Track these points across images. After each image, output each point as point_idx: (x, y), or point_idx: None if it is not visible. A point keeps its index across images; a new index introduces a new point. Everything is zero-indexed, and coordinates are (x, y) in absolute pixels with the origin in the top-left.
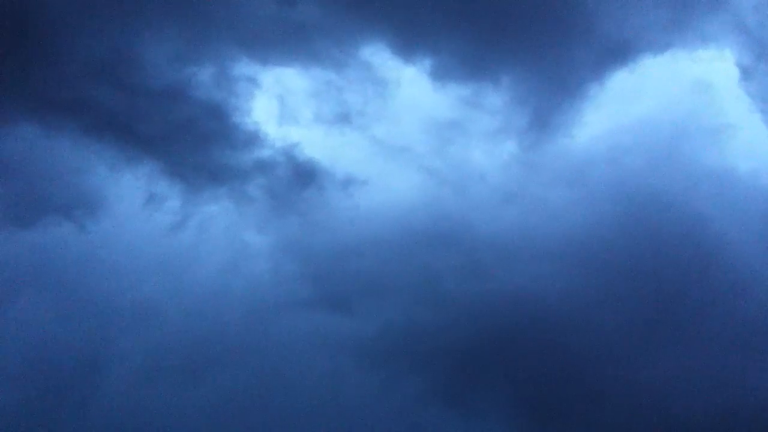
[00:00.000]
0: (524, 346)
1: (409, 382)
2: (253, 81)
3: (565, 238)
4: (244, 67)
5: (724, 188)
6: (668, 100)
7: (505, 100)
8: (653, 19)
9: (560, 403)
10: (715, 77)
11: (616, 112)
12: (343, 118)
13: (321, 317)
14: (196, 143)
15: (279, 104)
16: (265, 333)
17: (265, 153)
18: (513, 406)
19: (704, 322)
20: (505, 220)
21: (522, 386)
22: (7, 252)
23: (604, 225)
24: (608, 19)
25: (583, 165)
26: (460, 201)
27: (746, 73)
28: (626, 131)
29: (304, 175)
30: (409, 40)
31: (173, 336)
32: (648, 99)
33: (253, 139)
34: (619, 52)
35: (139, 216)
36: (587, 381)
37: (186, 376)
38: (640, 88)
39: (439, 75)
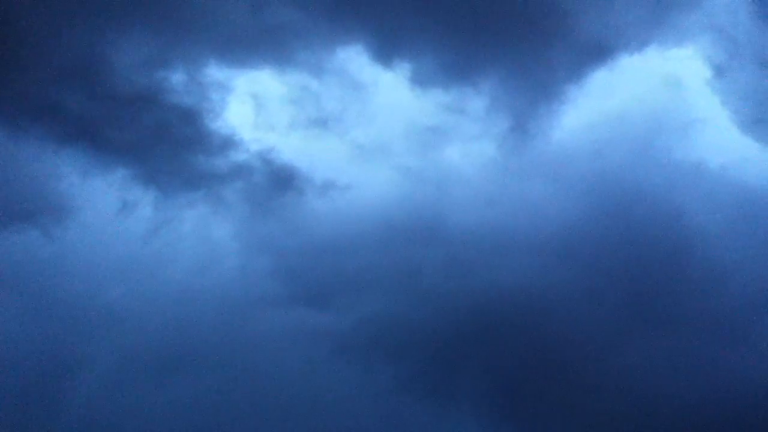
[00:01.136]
0: (502, 337)
1: (385, 373)
2: (226, 85)
3: (544, 234)
4: (217, 71)
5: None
6: (644, 98)
7: (485, 104)
8: (630, 18)
9: (538, 392)
10: (687, 75)
11: (594, 111)
12: (321, 123)
13: (298, 313)
14: (170, 148)
15: (254, 108)
16: (239, 330)
17: (240, 157)
18: (490, 395)
19: (681, 312)
20: (486, 218)
21: (499, 375)
22: None
23: (583, 219)
24: (586, 20)
25: (562, 161)
26: (440, 199)
27: (718, 71)
28: (604, 128)
29: (281, 179)
30: (387, 45)
31: (145, 337)
32: (625, 97)
33: (228, 143)
34: (597, 52)
35: (111, 222)
36: (566, 370)
37: (159, 376)
38: (618, 87)
39: (419, 80)
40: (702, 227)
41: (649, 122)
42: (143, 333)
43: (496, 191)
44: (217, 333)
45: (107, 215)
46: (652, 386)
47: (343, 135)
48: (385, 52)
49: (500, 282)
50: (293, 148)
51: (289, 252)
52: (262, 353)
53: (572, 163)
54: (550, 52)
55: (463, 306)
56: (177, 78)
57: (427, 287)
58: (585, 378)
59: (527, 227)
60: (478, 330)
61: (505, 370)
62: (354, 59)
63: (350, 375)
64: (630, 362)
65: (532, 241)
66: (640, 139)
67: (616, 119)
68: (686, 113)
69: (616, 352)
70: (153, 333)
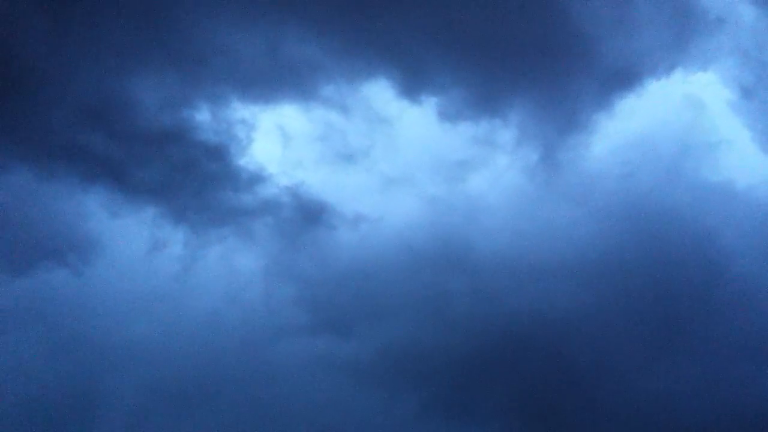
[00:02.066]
0: (529, 363)
1: (411, 400)
2: (251, 122)
3: (573, 259)
4: (242, 108)
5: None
6: (671, 121)
7: (514, 136)
8: (656, 43)
9: (565, 416)
10: (711, 97)
11: (623, 135)
12: (348, 157)
13: (324, 341)
14: (198, 185)
15: (281, 144)
16: (264, 361)
17: (269, 193)
18: (517, 421)
19: (711, 334)
20: (514, 245)
21: (527, 401)
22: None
23: (612, 243)
24: (612, 46)
25: (590, 186)
26: (468, 229)
27: (743, 93)
28: (632, 152)
29: (310, 213)
30: (412, 80)
31: (170, 370)
32: (653, 121)
33: (256, 179)
34: (624, 78)
35: (140, 259)
36: (594, 395)
37: (183, 408)
38: (645, 112)
39: (446, 114)
40: (732, 249)
41: (676, 144)
42: (168, 366)
43: (525, 219)
44: (241, 364)
45: (136, 253)
46: (682, 410)
47: (371, 169)
48: (410, 86)
49: (528, 307)
50: (322, 182)
51: (317, 282)
52: (287, 382)
53: (601, 188)
54: (577, 80)
55: (489, 332)
56: (202, 116)
57: (454, 314)
58: (613, 402)
59: (556, 252)
60: (505, 356)
61: (533, 395)
62: (379, 94)
63: (376, 401)
64: (660, 386)
65: (560, 266)
66: (668, 161)
67: (644, 143)
68: (712, 135)
69: (645, 376)
70: (178, 365)
